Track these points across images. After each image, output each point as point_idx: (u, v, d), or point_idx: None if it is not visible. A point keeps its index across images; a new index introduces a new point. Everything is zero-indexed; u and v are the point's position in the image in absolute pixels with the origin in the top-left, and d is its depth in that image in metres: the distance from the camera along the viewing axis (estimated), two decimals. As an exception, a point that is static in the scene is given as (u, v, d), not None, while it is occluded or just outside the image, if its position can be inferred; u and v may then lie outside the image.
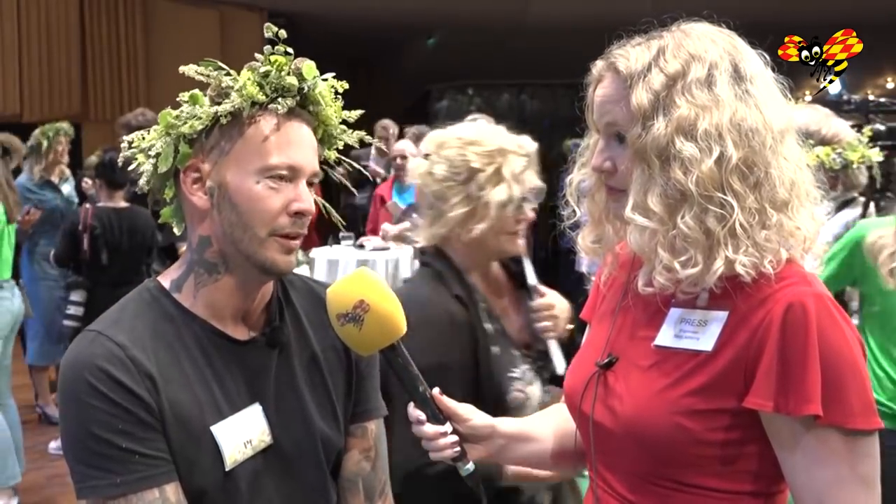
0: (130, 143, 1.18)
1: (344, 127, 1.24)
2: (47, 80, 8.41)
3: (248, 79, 1.12)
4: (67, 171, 5.60)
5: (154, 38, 8.90)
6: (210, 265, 1.17)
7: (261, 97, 1.12)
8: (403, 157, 5.58)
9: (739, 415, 1.06)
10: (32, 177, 5.39)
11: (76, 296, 4.26)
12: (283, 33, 1.15)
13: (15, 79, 8.24)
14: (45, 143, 5.37)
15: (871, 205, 3.14)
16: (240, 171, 1.13)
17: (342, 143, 1.25)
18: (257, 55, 1.16)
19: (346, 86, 1.21)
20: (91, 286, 4.26)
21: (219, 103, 1.12)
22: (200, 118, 1.12)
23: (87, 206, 4.38)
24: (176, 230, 1.24)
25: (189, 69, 1.14)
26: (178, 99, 1.15)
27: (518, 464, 1.32)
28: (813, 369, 1.01)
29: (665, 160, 1.08)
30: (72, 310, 4.26)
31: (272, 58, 1.14)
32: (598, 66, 1.18)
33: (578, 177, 1.26)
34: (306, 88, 1.15)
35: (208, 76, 1.14)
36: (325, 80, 1.18)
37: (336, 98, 1.21)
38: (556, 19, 9.48)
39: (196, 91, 1.13)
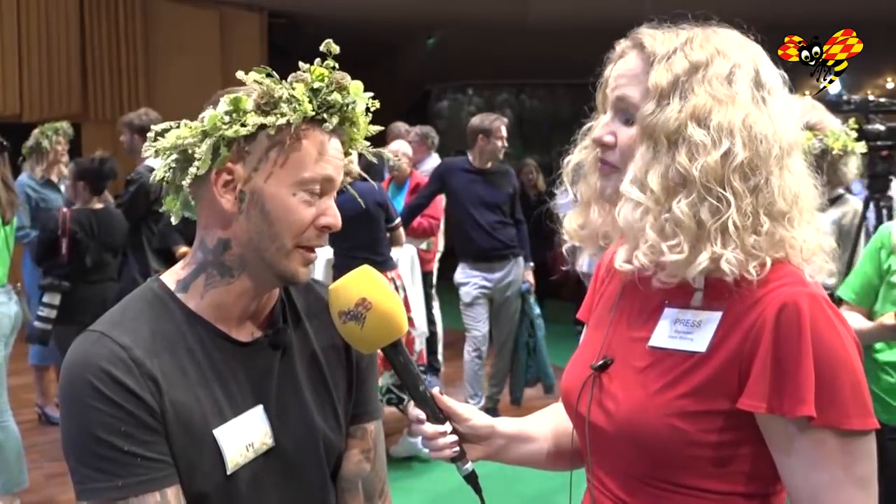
0: (160, 133, 1.16)
1: (366, 143, 1.24)
2: (47, 80, 8.41)
3: (304, 94, 1.13)
4: (65, 171, 5.57)
5: (154, 38, 8.90)
6: (225, 268, 1.16)
7: (311, 112, 1.13)
8: (398, 158, 5.60)
9: (734, 416, 1.05)
10: (34, 175, 5.37)
11: (49, 298, 4.25)
12: (335, 48, 1.15)
13: (15, 79, 8.24)
14: (45, 143, 5.36)
15: (871, 203, 3.14)
16: (279, 182, 1.13)
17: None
18: (302, 64, 1.16)
19: (378, 105, 1.21)
20: (71, 287, 4.27)
21: (266, 112, 1.12)
22: (247, 125, 1.11)
23: (64, 210, 4.37)
24: (174, 219, 1.23)
25: (247, 77, 1.14)
26: (220, 98, 1.14)
27: (517, 463, 1.32)
28: (807, 370, 1.00)
29: (673, 142, 1.08)
30: (44, 312, 4.24)
31: (316, 70, 1.15)
32: (623, 43, 1.18)
33: (577, 158, 1.26)
34: (348, 106, 1.16)
35: (260, 83, 1.13)
36: (361, 98, 1.18)
37: (366, 114, 1.21)
38: (556, 19, 9.48)
39: (240, 94, 1.13)
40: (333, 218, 1.16)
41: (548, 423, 1.37)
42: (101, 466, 1.05)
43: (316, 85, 1.14)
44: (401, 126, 6.57)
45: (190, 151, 1.13)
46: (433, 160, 6.40)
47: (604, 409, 1.15)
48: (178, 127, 1.15)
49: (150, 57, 8.86)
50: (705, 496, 1.09)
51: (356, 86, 1.17)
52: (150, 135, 1.17)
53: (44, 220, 4.40)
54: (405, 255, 5.09)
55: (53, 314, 4.22)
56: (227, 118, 1.12)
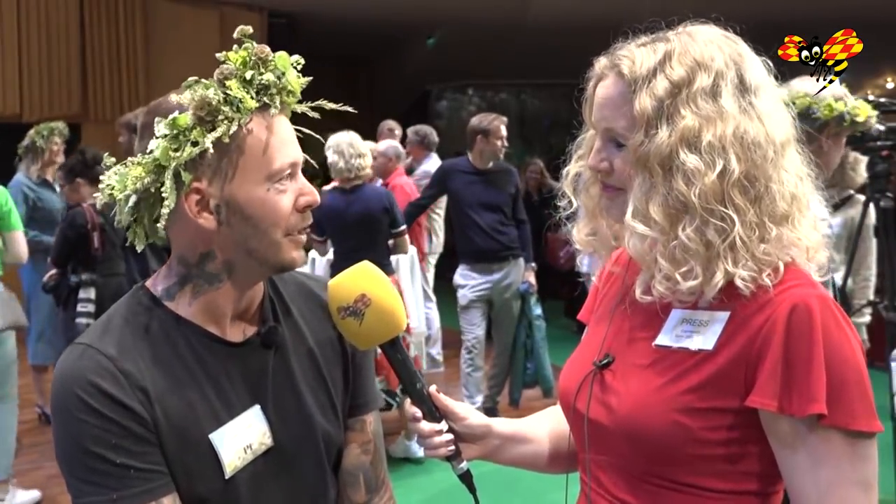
0: (113, 187, 1.10)
1: (298, 102, 1.18)
2: (47, 80, 8.41)
3: (240, 90, 1.09)
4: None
5: (154, 38, 8.90)
6: (212, 276, 1.15)
7: (254, 105, 1.10)
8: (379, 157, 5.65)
9: (738, 414, 1.05)
10: (30, 175, 5.37)
11: (86, 293, 4.26)
12: (248, 29, 1.12)
13: (15, 79, 8.24)
14: (39, 143, 5.35)
15: (871, 204, 3.14)
16: (248, 183, 1.10)
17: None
18: (218, 55, 1.11)
19: (303, 61, 1.15)
20: (102, 281, 4.28)
21: (210, 121, 1.07)
22: (198, 144, 1.07)
23: (85, 205, 4.37)
24: (138, 247, 1.17)
25: (183, 98, 1.09)
26: (155, 123, 1.09)
27: (513, 464, 1.32)
28: (818, 370, 1.01)
29: (668, 170, 1.08)
30: (88, 307, 4.25)
31: (234, 56, 1.11)
32: (601, 63, 1.17)
33: (575, 169, 1.26)
34: (281, 81, 1.13)
35: (193, 97, 1.08)
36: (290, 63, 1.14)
37: (298, 76, 1.16)
38: (556, 19, 9.47)
39: (175, 115, 1.08)
40: (311, 195, 1.15)
41: (545, 424, 1.36)
42: (95, 480, 1.04)
43: (248, 75, 1.10)
44: (384, 125, 6.55)
45: (152, 189, 1.09)
46: (433, 161, 6.39)
47: (605, 404, 1.15)
48: (125, 167, 1.10)
49: (150, 57, 8.85)
50: (704, 494, 1.09)
51: (282, 57, 1.13)
52: (102, 185, 1.12)
53: (70, 217, 4.39)
54: (405, 256, 5.08)
55: (93, 308, 4.23)
56: (174, 144, 1.08)
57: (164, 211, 1.08)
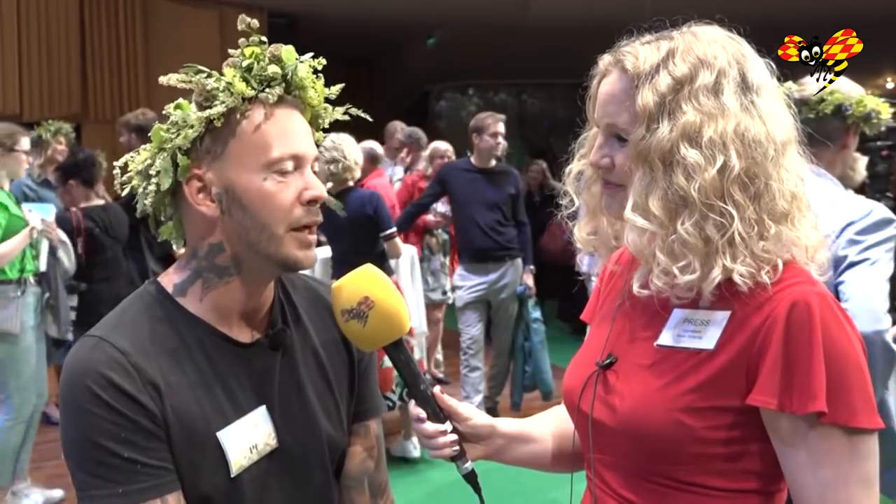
0: (123, 167, 1.15)
1: (327, 105, 1.21)
2: (47, 80, 8.41)
3: (235, 76, 1.10)
4: None
5: (154, 38, 8.90)
6: (221, 269, 1.15)
7: (249, 92, 1.10)
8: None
9: (740, 413, 1.06)
10: (32, 173, 5.39)
11: (71, 300, 4.23)
12: (255, 23, 1.13)
13: (15, 79, 8.25)
14: (45, 136, 5.38)
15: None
16: (244, 171, 1.11)
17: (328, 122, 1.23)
18: (231, 51, 1.13)
19: (324, 61, 1.17)
20: (88, 287, 4.23)
21: (208, 107, 1.09)
22: (193, 126, 1.09)
23: (73, 210, 4.33)
24: (175, 246, 1.21)
25: (170, 79, 1.11)
26: (163, 112, 1.12)
27: (517, 464, 1.32)
28: (818, 367, 1.01)
29: (668, 164, 1.08)
30: (70, 315, 4.23)
31: (247, 50, 1.12)
32: (606, 59, 1.17)
33: (577, 167, 1.27)
34: (289, 74, 1.13)
35: (190, 82, 1.11)
36: (303, 61, 1.16)
37: (317, 77, 1.18)
38: (556, 19, 9.48)
39: (180, 100, 1.10)
40: (317, 189, 1.14)
41: (549, 424, 1.37)
42: (102, 473, 1.04)
43: (246, 63, 1.11)
44: (394, 125, 6.53)
45: (152, 172, 1.12)
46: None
47: (608, 404, 1.15)
48: (138, 154, 1.14)
49: (150, 57, 8.86)
50: (708, 493, 1.09)
51: (288, 51, 1.14)
52: (117, 171, 1.16)
53: (58, 222, 4.38)
54: (405, 256, 5.09)
55: (73, 315, 4.16)
56: (172, 128, 1.10)
57: (150, 188, 1.11)
